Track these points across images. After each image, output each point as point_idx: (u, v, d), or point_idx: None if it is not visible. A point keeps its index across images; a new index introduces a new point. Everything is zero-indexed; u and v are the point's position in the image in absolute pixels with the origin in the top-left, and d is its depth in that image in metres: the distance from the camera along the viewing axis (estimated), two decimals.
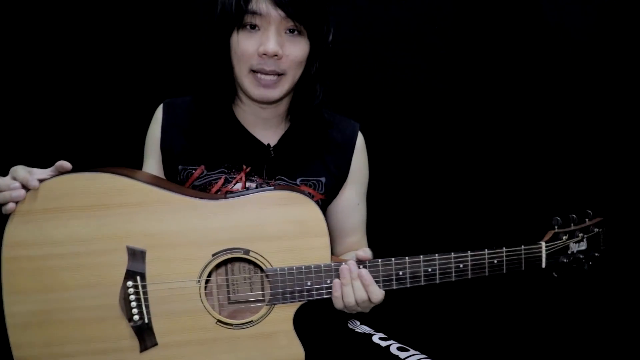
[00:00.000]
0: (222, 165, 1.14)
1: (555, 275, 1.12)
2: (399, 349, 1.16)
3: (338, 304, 1.02)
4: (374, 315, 1.29)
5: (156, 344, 0.98)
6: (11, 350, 0.96)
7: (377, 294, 1.00)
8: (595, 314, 1.86)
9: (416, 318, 1.86)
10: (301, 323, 1.05)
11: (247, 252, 0.99)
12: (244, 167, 1.14)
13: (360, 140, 1.22)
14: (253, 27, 1.03)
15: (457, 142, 1.80)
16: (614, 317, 1.86)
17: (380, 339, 1.21)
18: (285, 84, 1.07)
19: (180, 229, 0.97)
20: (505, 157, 1.80)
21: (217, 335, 1.00)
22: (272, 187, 1.05)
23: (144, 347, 0.98)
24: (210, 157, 1.14)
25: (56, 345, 0.96)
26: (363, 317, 1.32)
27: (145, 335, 0.97)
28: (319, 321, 1.22)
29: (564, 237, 1.08)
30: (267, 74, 1.04)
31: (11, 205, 0.93)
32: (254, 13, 1.01)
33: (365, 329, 1.28)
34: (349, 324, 1.30)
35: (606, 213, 1.15)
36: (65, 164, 0.95)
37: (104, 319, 0.97)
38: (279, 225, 0.99)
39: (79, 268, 0.95)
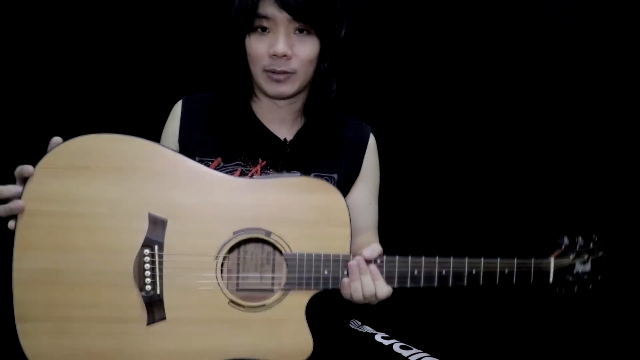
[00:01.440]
0: (239, 157, 1.15)
1: (558, 291, 1.15)
2: (401, 347, 1.17)
3: (346, 298, 1.03)
4: (376, 316, 1.33)
5: (164, 318, 0.95)
6: (13, 308, 0.92)
7: (385, 289, 1.01)
8: (598, 315, 1.86)
9: (418, 318, 1.86)
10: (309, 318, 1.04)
11: (268, 233, 0.99)
12: (260, 160, 1.15)
13: (372, 141, 1.26)
14: (264, 29, 1.07)
15: (467, 148, 1.85)
16: (616, 318, 1.86)
17: (383, 338, 1.22)
18: (297, 81, 1.11)
19: (204, 202, 0.97)
20: (517, 163, 1.85)
21: (228, 316, 0.98)
22: (299, 173, 1.06)
23: (151, 320, 0.95)
24: (228, 150, 1.15)
25: (60, 307, 0.93)
26: (365, 318, 1.33)
27: (154, 307, 0.95)
28: (320, 321, 1.19)
29: (571, 256, 1.12)
30: (278, 73, 1.08)
31: (12, 223, 0.92)
32: (262, 17, 1.05)
33: (367, 329, 1.27)
34: (350, 324, 1.30)
35: (612, 230, 1.19)
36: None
37: (114, 286, 0.94)
38: (302, 211, 1.00)
39: (96, 230, 0.93)
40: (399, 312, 1.66)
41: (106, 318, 0.94)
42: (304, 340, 1.00)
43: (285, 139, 1.18)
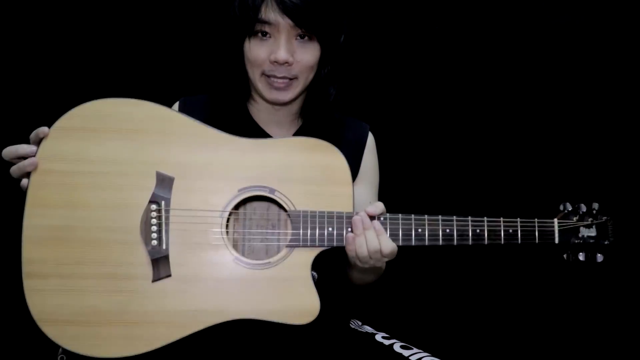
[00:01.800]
0: None
1: (566, 258, 1.14)
2: (402, 347, 1.15)
3: (351, 255, 1.02)
4: (376, 316, 1.33)
5: (169, 275, 0.95)
6: (21, 266, 0.93)
7: (389, 244, 1.01)
8: (600, 315, 1.84)
9: (418, 318, 1.84)
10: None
11: (272, 191, 1.01)
12: None
13: (370, 140, 1.28)
14: (264, 34, 1.07)
15: (465, 142, 1.89)
16: (619, 318, 1.83)
17: (383, 337, 1.20)
18: (297, 87, 1.12)
19: (210, 161, 1.00)
20: (516, 157, 1.88)
21: (233, 274, 0.98)
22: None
23: (157, 277, 0.95)
24: None
25: (68, 265, 0.93)
26: (365, 318, 1.32)
27: (160, 263, 0.95)
28: (320, 321, 1.19)
29: (574, 219, 1.12)
30: (279, 79, 1.09)
31: (25, 182, 0.95)
32: (264, 22, 1.05)
33: (367, 329, 1.26)
34: (351, 324, 1.29)
35: (614, 211, 1.20)
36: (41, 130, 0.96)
37: (122, 242, 0.95)
38: (306, 169, 1.03)
39: (105, 188, 0.96)
40: (399, 312, 1.68)
41: (112, 275, 0.94)
42: (311, 300, 0.99)
43: None
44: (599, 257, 1.14)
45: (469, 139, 1.92)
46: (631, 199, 1.78)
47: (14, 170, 0.95)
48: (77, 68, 1.76)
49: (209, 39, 1.26)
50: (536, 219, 1.09)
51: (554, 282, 1.85)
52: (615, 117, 1.86)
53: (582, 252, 1.13)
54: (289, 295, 0.99)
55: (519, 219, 1.08)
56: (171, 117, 1.01)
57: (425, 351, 1.13)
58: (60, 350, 0.95)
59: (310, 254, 1.00)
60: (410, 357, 1.11)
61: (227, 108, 1.18)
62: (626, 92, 1.84)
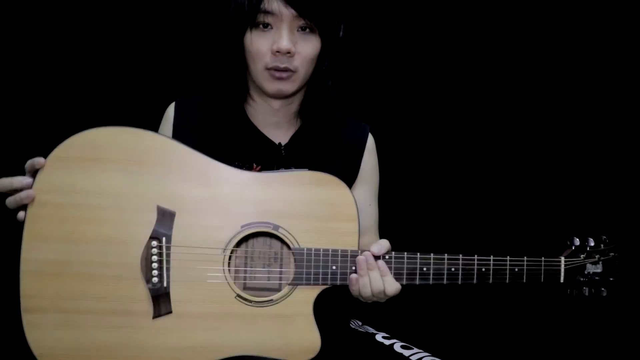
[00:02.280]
0: (233, 163, 1.11)
1: (569, 293, 1.13)
2: (402, 347, 1.15)
3: (355, 294, 1.02)
4: (376, 316, 1.32)
5: (170, 312, 0.95)
6: (20, 300, 0.92)
7: (393, 285, 1.00)
8: (601, 316, 1.83)
9: (418, 318, 1.85)
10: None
11: (276, 227, 0.98)
12: (255, 165, 1.14)
13: (370, 141, 1.25)
14: (266, 25, 1.06)
15: (471, 146, 1.86)
16: (618, 320, 1.84)
17: (384, 337, 1.20)
18: (298, 80, 1.10)
19: (212, 196, 0.97)
20: (521, 162, 1.86)
21: (235, 311, 0.97)
22: (307, 168, 1.06)
23: (157, 314, 0.94)
24: (221, 154, 1.10)
25: (67, 299, 0.92)
26: (365, 318, 1.32)
27: (161, 300, 0.94)
28: (321, 321, 1.17)
29: (582, 256, 1.10)
30: (280, 70, 1.07)
31: (22, 214, 0.93)
32: (266, 12, 1.04)
33: (368, 329, 1.26)
34: (351, 324, 1.29)
35: (622, 234, 1.18)
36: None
37: (121, 278, 0.93)
38: (310, 205, 1.00)
39: (105, 222, 0.93)
40: (399, 312, 1.65)
41: (112, 311, 0.93)
42: (312, 338, 0.99)
43: (280, 143, 1.17)
44: (603, 292, 1.13)
45: (476, 140, 1.88)
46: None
47: (10, 202, 0.92)
48: (71, 70, 1.70)
49: (208, 35, 1.23)
50: (543, 258, 1.07)
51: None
52: (624, 147, 1.83)
53: (586, 287, 1.12)
54: (290, 333, 0.98)
55: (525, 258, 1.06)
56: (171, 148, 0.97)
57: (425, 351, 1.13)
58: None
59: (313, 292, 0.99)
60: (410, 357, 1.11)
61: (224, 110, 1.15)
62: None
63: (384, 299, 1.03)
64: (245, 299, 0.97)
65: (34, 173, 0.93)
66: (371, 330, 1.26)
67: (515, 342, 1.86)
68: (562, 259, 1.09)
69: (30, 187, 0.91)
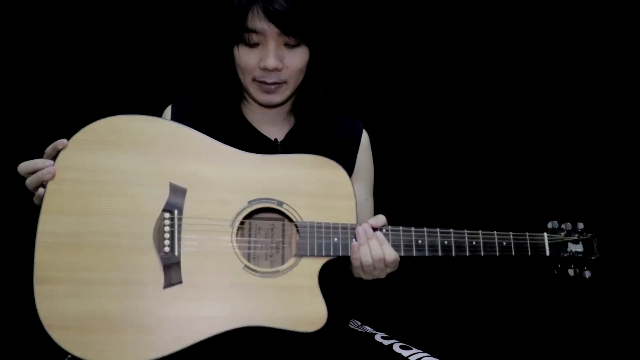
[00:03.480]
0: None
1: (557, 273, 1.19)
2: (401, 347, 1.16)
3: (356, 264, 1.06)
4: (376, 316, 1.35)
5: (181, 282, 0.97)
6: (33, 271, 0.93)
7: (392, 252, 1.05)
8: (598, 314, 1.86)
9: (417, 318, 1.84)
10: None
11: (280, 203, 1.05)
12: None
13: (365, 137, 1.30)
14: (252, 42, 1.09)
15: (458, 141, 1.95)
16: (615, 317, 1.86)
17: (383, 338, 1.21)
18: (287, 90, 1.15)
19: (221, 175, 1.04)
20: (507, 156, 1.95)
21: (243, 281, 1.00)
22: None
23: (168, 283, 0.96)
24: None
25: (80, 270, 0.94)
26: (364, 318, 1.32)
27: (172, 270, 0.97)
28: None
29: (562, 234, 1.19)
30: (269, 84, 1.12)
31: (41, 190, 0.97)
32: (251, 31, 1.06)
33: (367, 329, 1.27)
34: (350, 324, 1.29)
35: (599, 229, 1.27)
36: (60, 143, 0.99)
37: (134, 248, 0.97)
38: (310, 184, 1.08)
39: (120, 196, 0.99)
40: (398, 312, 1.68)
41: (124, 280, 0.95)
42: (318, 309, 1.01)
43: (275, 139, 1.23)
44: (587, 274, 1.20)
45: (466, 135, 1.97)
46: (616, 217, 1.86)
47: (32, 180, 0.97)
48: (68, 71, 1.79)
49: (201, 45, 1.27)
50: (527, 233, 1.16)
51: (551, 281, 1.89)
52: (603, 135, 1.94)
53: (570, 267, 1.19)
54: (297, 304, 1.01)
55: (511, 233, 1.14)
56: (183, 133, 1.06)
57: (424, 351, 1.13)
58: (69, 357, 0.94)
59: (317, 263, 1.04)
60: (409, 358, 1.11)
61: (220, 109, 1.20)
62: (618, 110, 1.92)
63: (384, 272, 1.08)
64: (253, 270, 1.01)
65: (54, 156, 0.99)
66: (370, 330, 1.27)
67: (514, 342, 1.85)
68: (545, 234, 1.17)
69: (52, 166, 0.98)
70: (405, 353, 1.13)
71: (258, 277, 1.01)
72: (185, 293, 0.97)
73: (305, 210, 1.06)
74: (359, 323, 1.32)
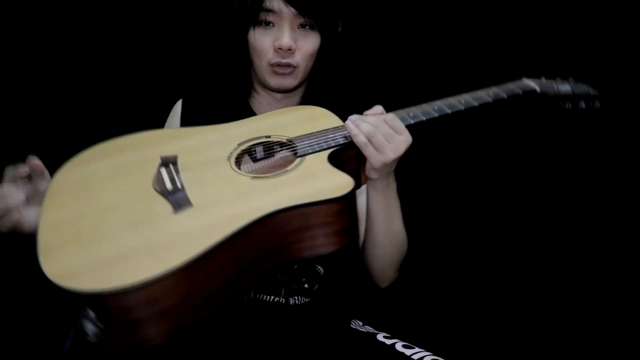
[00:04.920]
0: None
1: (567, 107, 1.15)
2: (404, 346, 1.11)
3: (360, 140, 0.99)
4: (377, 316, 1.34)
5: (191, 204, 0.90)
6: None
7: (390, 115, 1.03)
8: (600, 314, 1.83)
9: (419, 317, 1.84)
10: (304, 324, 1.15)
11: (268, 136, 1.07)
12: None
13: None
14: (268, 23, 1.14)
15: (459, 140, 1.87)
16: (617, 317, 1.81)
17: (385, 337, 1.16)
18: (299, 75, 1.19)
19: (207, 138, 1.08)
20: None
21: (256, 186, 0.94)
22: None
23: (178, 208, 0.89)
24: None
25: (87, 217, 0.89)
26: (366, 318, 1.30)
27: (179, 199, 0.90)
28: (321, 321, 1.21)
29: (542, 78, 1.20)
30: (282, 66, 1.17)
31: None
32: (268, 10, 1.12)
33: (368, 329, 1.20)
34: (352, 324, 1.22)
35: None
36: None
37: (136, 200, 0.92)
38: (295, 119, 1.13)
39: (117, 179, 0.98)
40: (400, 311, 1.68)
41: (133, 221, 0.88)
42: (341, 177, 0.94)
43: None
44: (597, 104, 1.17)
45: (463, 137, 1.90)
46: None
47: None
48: (72, 69, 1.74)
49: (213, 32, 1.30)
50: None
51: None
52: None
53: (565, 101, 1.17)
54: (319, 180, 0.94)
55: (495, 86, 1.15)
56: (163, 131, 1.13)
57: (427, 350, 1.10)
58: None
59: (322, 156, 1.00)
60: (412, 357, 1.08)
61: (229, 103, 1.24)
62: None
63: (396, 143, 1.00)
64: (262, 176, 0.95)
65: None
66: (372, 330, 1.22)
67: (516, 341, 1.83)
68: (524, 78, 1.18)
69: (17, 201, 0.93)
70: (407, 352, 1.09)
71: (270, 178, 0.95)
72: (199, 210, 0.89)
73: (293, 133, 1.07)
74: (361, 323, 1.27)
